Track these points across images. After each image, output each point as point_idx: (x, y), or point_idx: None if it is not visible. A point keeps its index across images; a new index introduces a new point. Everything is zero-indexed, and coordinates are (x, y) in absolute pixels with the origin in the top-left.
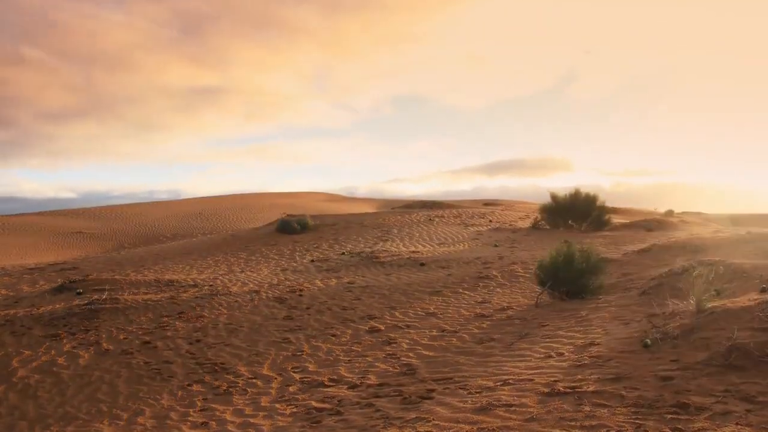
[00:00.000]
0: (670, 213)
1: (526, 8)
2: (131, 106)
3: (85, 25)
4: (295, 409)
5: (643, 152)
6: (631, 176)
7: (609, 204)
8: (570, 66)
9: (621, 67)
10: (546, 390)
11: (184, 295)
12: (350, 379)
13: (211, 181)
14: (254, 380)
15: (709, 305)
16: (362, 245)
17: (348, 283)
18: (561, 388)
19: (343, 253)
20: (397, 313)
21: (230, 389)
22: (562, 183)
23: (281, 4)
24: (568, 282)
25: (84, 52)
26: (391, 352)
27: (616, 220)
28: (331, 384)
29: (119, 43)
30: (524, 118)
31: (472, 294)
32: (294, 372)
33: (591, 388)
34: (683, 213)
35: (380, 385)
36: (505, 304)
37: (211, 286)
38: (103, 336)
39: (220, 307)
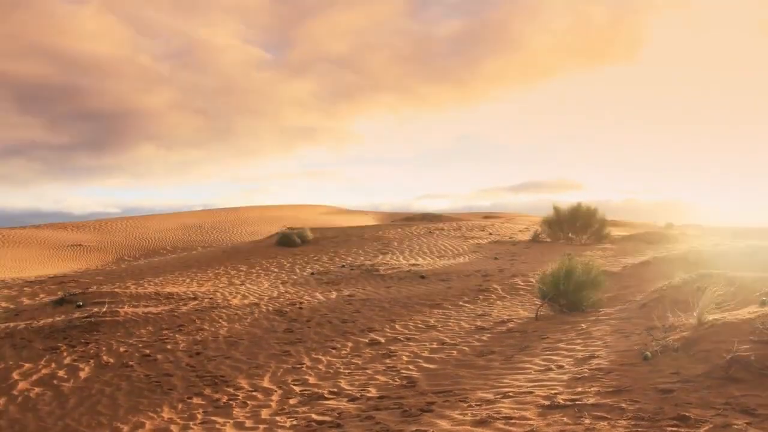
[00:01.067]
0: (670, 226)
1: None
2: (240, 139)
3: (250, 85)
4: (295, 422)
5: (652, 175)
6: (640, 194)
7: (617, 217)
8: (600, 113)
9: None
10: (546, 402)
11: (184, 307)
12: (350, 392)
13: (257, 197)
14: (254, 393)
15: (710, 318)
16: (362, 258)
17: (348, 295)
18: (561, 401)
19: (343, 266)
20: (397, 326)
21: (230, 402)
22: (575, 198)
23: (408, 76)
24: (569, 295)
25: (237, 104)
26: (391, 365)
27: (617, 233)
28: (331, 396)
29: (273, 100)
30: (555, 150)
31: (472, 307)
32: (294, 385)
33: (591, 401)
34: (683, 226)
35: (380, 397)
36: (505, 317)
37: (211, 298)
38: (104, 349)
39: (220, 320)
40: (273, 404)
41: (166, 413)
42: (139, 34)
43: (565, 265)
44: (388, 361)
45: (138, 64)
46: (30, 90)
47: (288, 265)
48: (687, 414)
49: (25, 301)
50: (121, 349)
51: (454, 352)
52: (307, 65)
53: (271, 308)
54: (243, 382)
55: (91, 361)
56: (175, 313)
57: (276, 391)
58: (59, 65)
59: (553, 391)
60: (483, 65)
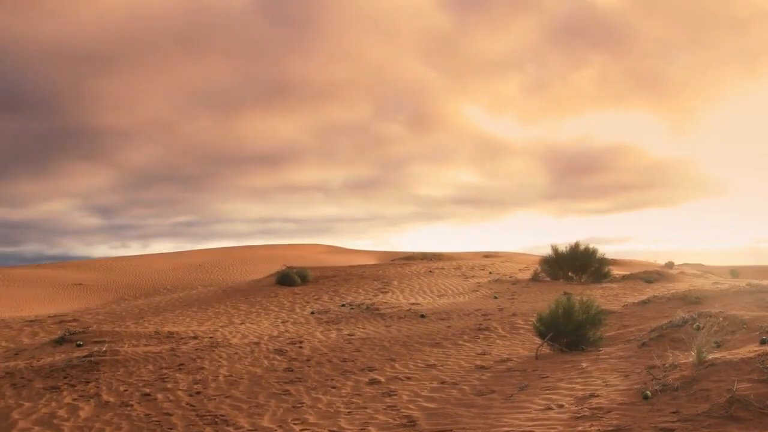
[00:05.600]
0: (670, 265)
1: None
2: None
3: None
4: None
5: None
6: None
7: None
8: None
9: None
10: None
11: (185, 347)
12: (350, 431)
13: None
14: None
15: (710, 357)
16: (362, 297)
17: (348, 334)
18: None
19: (343, 305)
20: (397, 365)
21: None
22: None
23: None
24: (568, 334)
25: None
26: (391, 404)
27: (616, 272)
28: None
29: None
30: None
31: (472, 346)
32: (294, 424)
33: None
34: (683, 264)
35: None
36: (505, 356)
37: (211, 338)
38: (104, 388)
39: (221, 359)
40: None
41: None
42: None
43: (562, 305)
44: (388, 400)
45: None
46: None
47: (288, 304)
48: None
49: (25, 340)
50: (122, 388)
51: (454, 391)
52: None
53: (271, 347)
54: (243, 422)
55: (92, 400)
56: (176, 352)
57: (276, 430)
58: None
59: (553, 431)
60: None
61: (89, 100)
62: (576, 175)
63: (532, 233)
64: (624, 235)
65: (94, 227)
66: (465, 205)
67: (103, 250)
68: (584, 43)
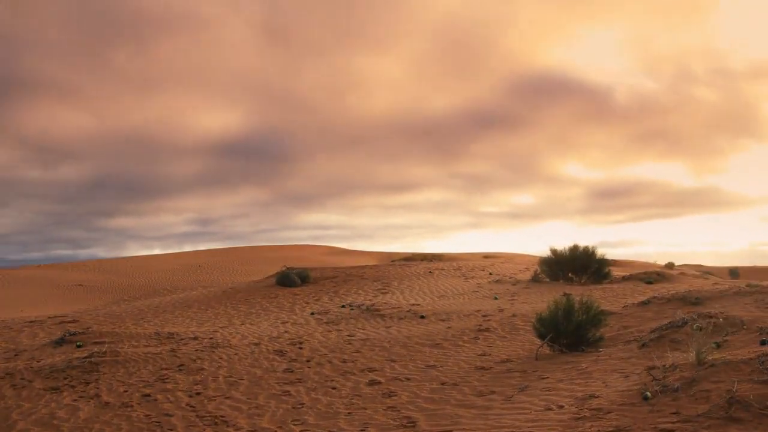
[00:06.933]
0: (670, 265)
1: None
2: None
3: None
4: None
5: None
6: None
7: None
8: None
9: None
10: None
11: (185, 347)
12: None
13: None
14: None
15: (709, 358)
16: (362, 298)
17: (348, 335)
18: None
19: (343, 306)
20: (397, 366)
21: None
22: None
23: None
24: (568, 334)
25: None
26: (391, 405)
27: (616, 272)
28: None
29: None
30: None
31: (472, 346)
32: (294, 425)
33: None
34: (683, 265)
35: None
36: (505, 357)
37: (211, 338)
38: (104, 389)
39: (221, 360)
40: None
41: None
42: None
43: (562, 305)
44: (388, 401)
45: None
46: None
47: (288, 305)
48: None
49: (25, 341)
50: (122, 389)
51: (454, 392)
52: None
53: (271, 348)
54: (243, 422)
55: (91, 401)
56: (176, 353)
57: (276, 431)
58: None
59: (553, 431)
60: None
61: (297, 151)
62: (605, 198)
63: (551, 238)
64: (634, 238)
65: (167, 234)
66: (509, 218)
67: (155, 251)
68: (647, 132)
